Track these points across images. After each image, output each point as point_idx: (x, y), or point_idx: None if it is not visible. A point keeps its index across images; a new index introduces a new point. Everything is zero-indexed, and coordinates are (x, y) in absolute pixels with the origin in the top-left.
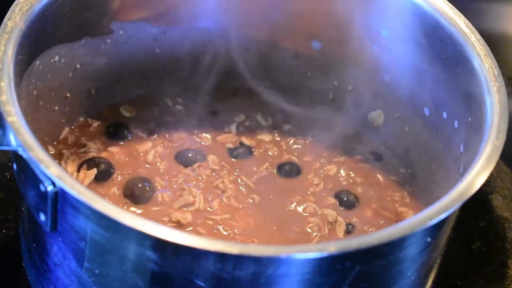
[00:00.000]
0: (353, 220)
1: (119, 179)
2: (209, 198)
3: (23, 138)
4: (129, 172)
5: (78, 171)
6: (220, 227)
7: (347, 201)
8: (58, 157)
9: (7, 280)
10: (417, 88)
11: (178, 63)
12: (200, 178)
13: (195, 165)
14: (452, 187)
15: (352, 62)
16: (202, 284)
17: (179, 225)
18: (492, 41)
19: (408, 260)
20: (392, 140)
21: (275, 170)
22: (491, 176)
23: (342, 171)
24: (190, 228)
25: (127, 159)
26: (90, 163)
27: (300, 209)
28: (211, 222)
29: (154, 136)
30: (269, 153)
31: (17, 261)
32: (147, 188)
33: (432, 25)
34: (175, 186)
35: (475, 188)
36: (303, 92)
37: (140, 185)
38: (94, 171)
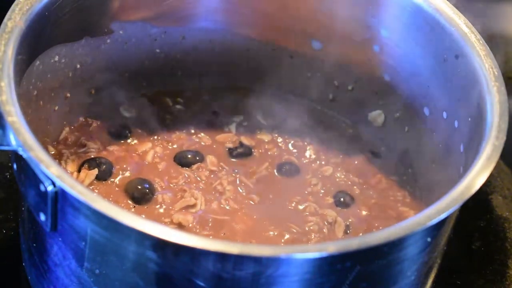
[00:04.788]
0: (352, 220)
1: (118, 179)
2: (209, 199)
3: (23, 138)
4: (129, 172)
5: (79, 171)
6: (220, 227)
7: (344, 201)
8: (58, 157)
9: (7, 280)
10: (417, 88)
11: (178, 63)
12: (199, 179)
13: (194, 166)
14: (452, 187)
15: (352, 62)
16: (202, 284)
17: (180, 227)
18: (492, 41)
19: (408, 260)
20: (392, 140)
21: (274, 170)
22: (491, 176)
23: (341, 171)
24: (193, 229)
25: (126, 159)
26: (91, 163)
27: (300, 208)
28: (211, 223)
29: (154, 136)
30: (269, 153)
31: (17, 261)
32: (147, 190)
33: (432, 25)
34: (174, 187)
35: (475, 188)
36: (303, 92)
37: (139, 186)
38: (95, 171)
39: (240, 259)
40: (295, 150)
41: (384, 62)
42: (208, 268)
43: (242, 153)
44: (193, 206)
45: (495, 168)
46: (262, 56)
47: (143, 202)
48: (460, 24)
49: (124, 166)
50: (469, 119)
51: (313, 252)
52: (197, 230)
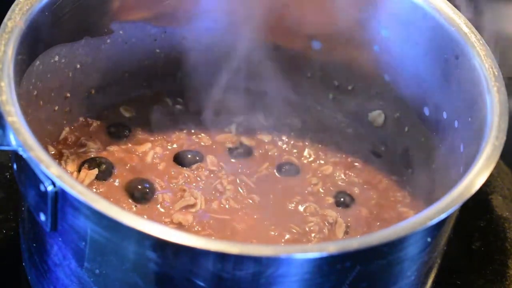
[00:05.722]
0: (352, 220)
1: (118, 179)
2: (209, 199)
3: (23, 138)
4: (129, 172)
5: (79, 170)
6: (220, 227)
7: (344, 201)
8: (58, 157)
9: (7, 280)
10: (417, 88)
11: (178, 63)
12: (199, 179)
13: (194, 166)
14: (452, 187)
15: (352, 62)
16: (202, 284)
17: (180, 227)
18: (492, 41)
19: (408, 260)
20: (392, 140)
21: (274, 170)
22: (491, 176)
23: (341, 171)
24: (193, 229)
25: (126, 159)
26: (92, 162)
27: (300, 209)
28: (211, 223)
29: (154, 136)
30: (269, 153)
31: (17, 261)
32: (147, 190)
33: (432, 25)
34: (174, 187)
35: (475, 188)
36: (303, 91)
37: (139, 186)
38: (95, 171)
39: (240, 259)
40: (295, 150)
41: (384, 62)
42: (208, 268)
43: (242, 153)
44: (193, 205)
45: (495, 168)
46: (262, 56)
47: (143, 202)
48: (460, 24)
49: (124, 166)
50: (469, 119)
51: (313, 252)
52: (197, 230)
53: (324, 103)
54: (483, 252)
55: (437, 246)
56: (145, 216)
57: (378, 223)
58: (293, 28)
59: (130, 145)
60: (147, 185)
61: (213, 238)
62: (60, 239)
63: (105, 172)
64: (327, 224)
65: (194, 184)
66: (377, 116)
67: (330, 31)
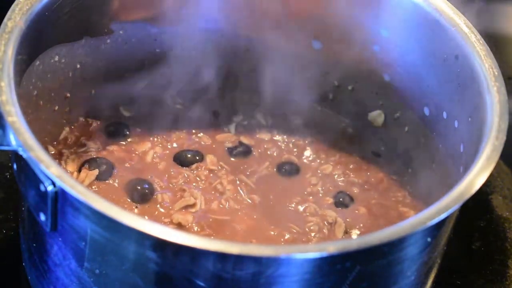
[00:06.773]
0: (352, 220)
1: (118, 179)
2: (208, 199)
3: (23, 138)
4: (129, 172)
5: (79, 170)
6: (220, 227)
7: (344, 201)
8: (58, 157)
9: (7, 280)
10: (417, 88)
11: (178, 63)
12: (198, 179)
13: (194, 166)
14: (452, 187)
15: (352, 62)
16: (202, 284)
17: (180, 227)
18: (492, 41)
19: (408, 260)
20: (392, 140)
21: (275, 170)
22: (491, 176)
23: (341, 171)
24: (192, 229)
25: (126, 159)
26: (92, 163)
27: (300, 209)
28: (211, 223)
29: (154, 136)
30: (268, 152)
31: (17, 261)
32: (146, 190)
33: (432, 25)
34: (174, 187)
35: (475, 188)
36: (303, 92)
37: (139, 187)
38: (96, 171)
39: (240, 259)
40: (295, 150)
41: (384, 62)
42: (208, 268)
43: (241, 152)
44: (193, 206)
45: (495, 168)
46: (262, 56)
47: (143, 202)
48: (460, 24)
49: (124, 166)
50: (469, 119)
51: (313, 252)
52: (197, 230)
53: (324, 103)
54: (483, 252)
55: (437, 246)
56: (146, 217)
57: (378, 223)
58: (293, 28)
59: (130, 145)
60: (147, 186)
61: (212, 238)
62: (60, 239)
63: (105, 172)
64: (326, 224)
65: (194, 184)
66: (377, 116)
67: (330, 31)
